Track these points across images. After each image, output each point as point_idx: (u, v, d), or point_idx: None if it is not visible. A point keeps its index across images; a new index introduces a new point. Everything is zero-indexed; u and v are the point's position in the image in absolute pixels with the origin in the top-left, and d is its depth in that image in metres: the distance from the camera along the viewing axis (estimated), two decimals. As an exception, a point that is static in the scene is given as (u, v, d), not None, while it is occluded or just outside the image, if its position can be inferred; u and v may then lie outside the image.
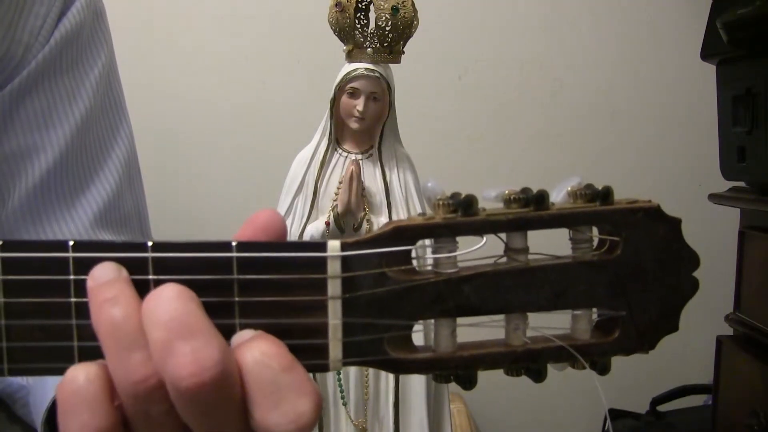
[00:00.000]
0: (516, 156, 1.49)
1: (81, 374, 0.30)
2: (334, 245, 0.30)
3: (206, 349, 0.28)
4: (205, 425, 0.29)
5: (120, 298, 0.30)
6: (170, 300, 0.29)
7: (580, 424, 1.51)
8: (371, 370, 0.83)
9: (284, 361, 0.29)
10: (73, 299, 0.31)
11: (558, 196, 0.32)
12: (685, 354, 1.37)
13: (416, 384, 0.83)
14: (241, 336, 0.30)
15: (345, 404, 0.83)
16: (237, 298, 0.30)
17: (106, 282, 0.30)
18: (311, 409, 0.29)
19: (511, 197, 0.31)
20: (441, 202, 0.31)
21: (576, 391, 1.41)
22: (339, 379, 0.83)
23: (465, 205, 0.31)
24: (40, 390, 0.51)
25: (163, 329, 0.28)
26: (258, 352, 0.29)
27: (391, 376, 0.83)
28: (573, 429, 1.53)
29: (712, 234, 1.17)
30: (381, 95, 0.80)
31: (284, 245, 0.31)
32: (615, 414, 1.34)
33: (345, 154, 0.83)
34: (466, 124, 1.47)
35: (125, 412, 0.30)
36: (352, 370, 0.83)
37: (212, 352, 0.28)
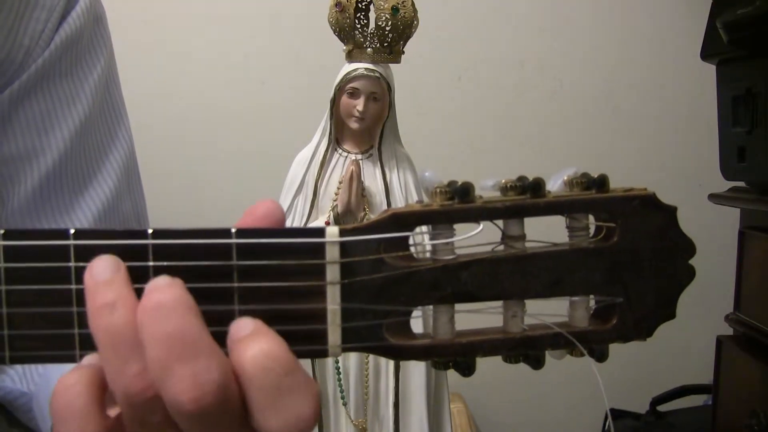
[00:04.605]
0: (516, 156, 1.49)
1: (71, 385, 0.29)
2: (332, 231, 0.31)
3: (207, 372, 0.27)
4: None
5: (118, 304, 0.29)
6: (168, 313, 0.28)
7: (580, 424, 1.51)
8: (371, 370, 0.83)
9: (286, 364, 0.28)
10: (74, 286, 0.31)
11: (554, 185, 0.33)
12: (685, 354, 1.37)
13: (416, 384, 0.83)
14: (240, 328, 0.30)
15: (345, 404, 0.83)
16: (236, 284, 0.30)
17: (104, 282, 0.29)
18: (312, 411, 0.29)
19: (508, 185, 0.32)
20: (438, 190, 0.31)
21: (576, 391, 1.41)
22: (339, 379, 0.83)
23: (462, 192, 0.31)
24: (45, 396, 0.51)
25: (160, 347, 0.27)
26: (260, 354, 0.28)
27: (391, 376, 0.83)
28: (573, 429, 1.53)
29: (712, 234, 1.18)
30: (381, 95, 0.80)
31: (283, 231, 0.31)
32: (615, 414, 1.34)
33: (345, 154, 0.84)
34: (466, 124, 1.48)
35: (123, 418, 0.30)
36: (352, 370, 0.83)
37: (213, 376, 0.27)
